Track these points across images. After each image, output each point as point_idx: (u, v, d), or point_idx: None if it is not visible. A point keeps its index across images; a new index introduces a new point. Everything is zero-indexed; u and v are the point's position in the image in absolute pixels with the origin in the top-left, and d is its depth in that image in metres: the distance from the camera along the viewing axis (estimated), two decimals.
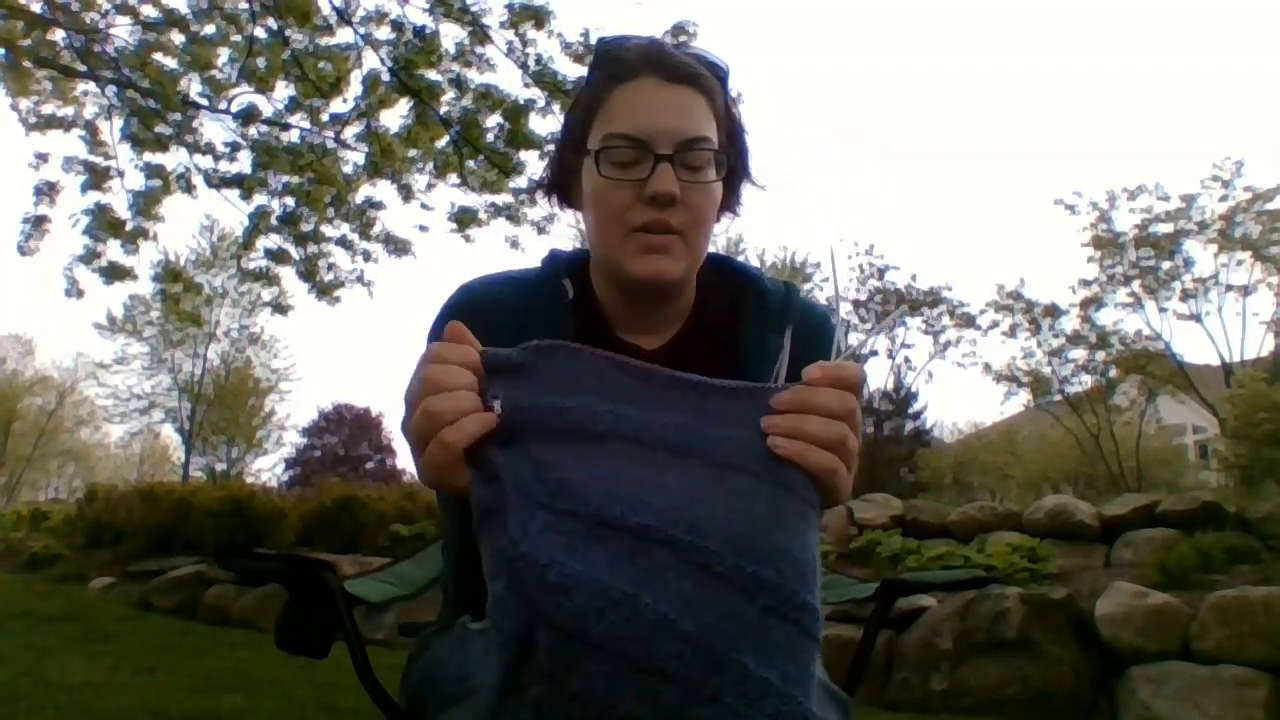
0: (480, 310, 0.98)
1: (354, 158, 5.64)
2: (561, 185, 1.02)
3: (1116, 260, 13.12)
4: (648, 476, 0.62)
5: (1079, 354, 13.81)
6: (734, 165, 0.97)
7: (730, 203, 1.00)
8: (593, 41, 4.72)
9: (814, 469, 0.66)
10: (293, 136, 5.55)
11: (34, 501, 19.42)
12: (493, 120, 5.19)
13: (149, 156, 5.40)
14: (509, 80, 5.22)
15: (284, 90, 5.31)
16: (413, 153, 5.44)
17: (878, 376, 16.18)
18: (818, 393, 0.68)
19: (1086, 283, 13.48)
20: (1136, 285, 13.05)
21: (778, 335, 1.01)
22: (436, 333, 0.99)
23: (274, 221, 5.80)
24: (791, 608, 0.58)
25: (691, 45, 1.00)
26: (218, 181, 5.57)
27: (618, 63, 0.94)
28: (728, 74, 0.97)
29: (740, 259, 1.17)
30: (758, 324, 1.01)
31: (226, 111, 5.36)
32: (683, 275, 0.95)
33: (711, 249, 1.01)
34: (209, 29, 5.10)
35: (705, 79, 0.93)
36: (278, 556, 1.01)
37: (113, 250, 5.50)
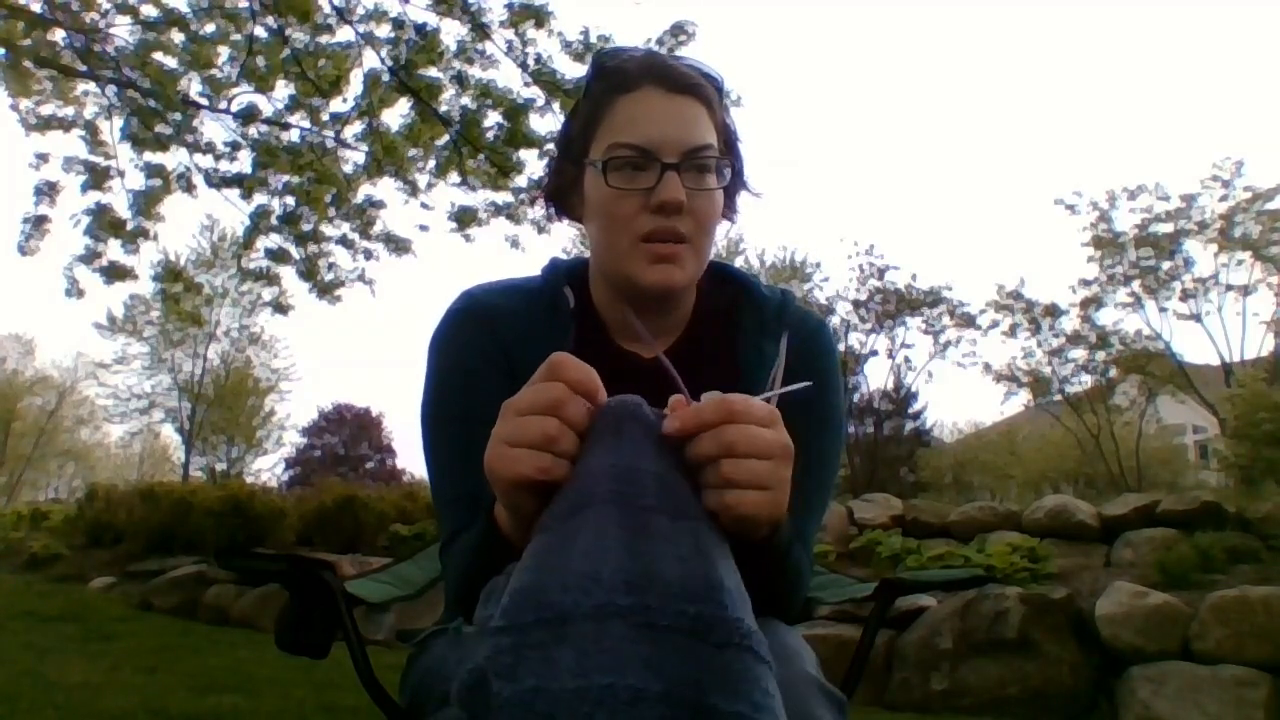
0: (482, 317, 0.98)
1: (354, 157, 5.64)
2: (559, 197, 1.03)
3: (1116, 260, 13.13)
4: (594, 543, 0.60)
5: (1079, 354, 13.82)
6: (732, 173, 0.98)
7: (728, 209, 1.01)
8: (593, 40, 4.71)
9: None
10: (293, 136, 5.55)
11: (34, 501, 19.40)
12: (492, 119, 5.19)
13: (149, 156, 5.40)
14: (509, 79, 5.21)
15: (284, 89, 5.31)
16: (413, 152, 5.44)
17: (878, 376, 16.18)
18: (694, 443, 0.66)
19: (1086, 283, 13.49)
20: (1136, 285, 13.06)
21: (774, 342, 1.01)
22: (440, 339, 0.99)
23: (274, 221, 5.79)
24: (741, 635, 0.58)
25: (685, 56, 1.00)
26: (218, 181, 5.57)
27: (618, 74, 0.94)
28: (723, 85, 0.99)
29: (740, 260, 1.17)
30: (754, 331, 1.01)
31: (226, 111, 5.35)
32: (690, 281, 0.95)
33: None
34: (209, 28, 5.10)
35: (705, 89, 0.94)
36: (278, 556, 1.01)
37: (113, 250, 5.50)
